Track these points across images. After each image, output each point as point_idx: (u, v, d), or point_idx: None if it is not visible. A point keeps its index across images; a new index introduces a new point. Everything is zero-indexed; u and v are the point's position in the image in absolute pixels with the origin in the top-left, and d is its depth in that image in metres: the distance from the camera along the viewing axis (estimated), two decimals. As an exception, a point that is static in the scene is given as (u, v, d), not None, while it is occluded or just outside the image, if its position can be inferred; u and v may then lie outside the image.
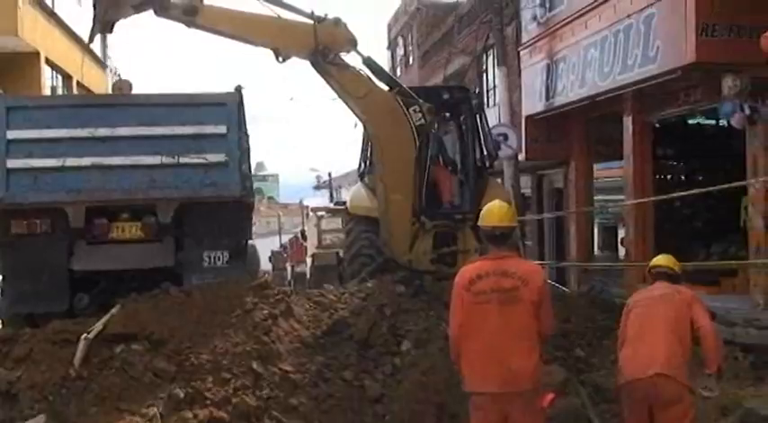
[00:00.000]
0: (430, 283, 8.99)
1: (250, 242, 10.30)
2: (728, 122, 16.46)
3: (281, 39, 9.39)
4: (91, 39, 9.67)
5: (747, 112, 10.34)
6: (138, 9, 8.94)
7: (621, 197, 23.22)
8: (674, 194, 12.73)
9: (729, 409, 6.24)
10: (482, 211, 5.80)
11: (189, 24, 9.04)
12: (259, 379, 7.30)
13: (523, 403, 5.25)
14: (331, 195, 36.83)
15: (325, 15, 9.49)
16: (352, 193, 11.91)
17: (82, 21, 23.07)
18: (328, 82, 9.55)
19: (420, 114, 9.90)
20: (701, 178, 16.03)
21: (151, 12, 8.94)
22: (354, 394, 7.29)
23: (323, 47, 9.35)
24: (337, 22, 9.51)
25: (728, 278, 12.31)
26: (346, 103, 9.84)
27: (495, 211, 5.70)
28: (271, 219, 52.20)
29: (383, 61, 24.97)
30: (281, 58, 9.40)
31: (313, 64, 9.46)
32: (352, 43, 9.56)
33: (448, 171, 11.66)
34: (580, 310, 8.97)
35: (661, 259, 6.61)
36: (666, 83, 11.84)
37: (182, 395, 6.88)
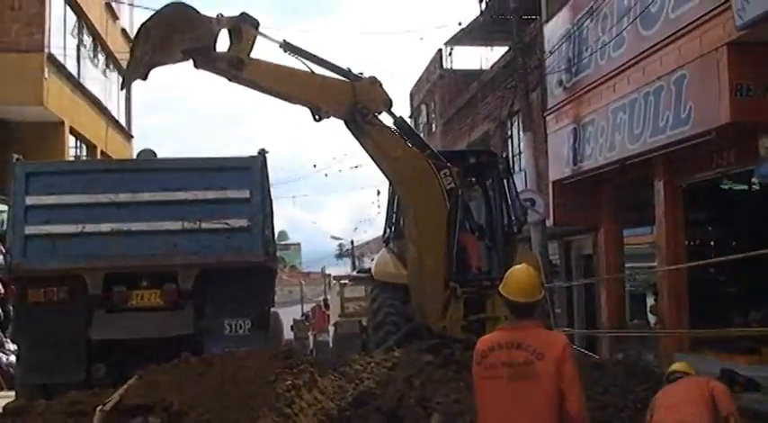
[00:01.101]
0: (460, 352, 8.61)
1: (273, 310, 10.04)
2: (761, 185, 16.29)
3: (321, 96, 9.05)
4: (127, 84, 9.44)
5: (786, 173, 10.07)
6: (186, 55, 8.41)
7: (649, 264, 23.04)
8: (715, 260, 12.37)
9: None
10: (505, 277, 5.25)
11: (232, 78, 8.59)
12: (283, 454, 6.94)
13: None
14: (353, 263, 36.73)
15: (361, 74, 9.31)
16: (378, 259, 11.66)
17: (106, 91, 23.59)
18: (364, 142, 9.31)
19: (450, 178, 9.69)
20: (734, 243, 15.63)
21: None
22: (383, 471, 6.90)
23: (362, 106, 9.15)
24: (374, 81, 9.31)
25: (770, 346, 11.82)
26: (379, 165, 9.59)
27: (516, 282, 5.10)
28: (293, 287, 52.22)
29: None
30: (317, 117, 9.13)
31: (349, 123, 9.19)
32: (387, 103, 9.36)
33: (475, 236, 11.43)
34: (617, 380, 8.53)
35: (678, 366, 6.85)
36: (699, 145, 11.62)
37: (203, 470, 6.56)
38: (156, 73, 8.45)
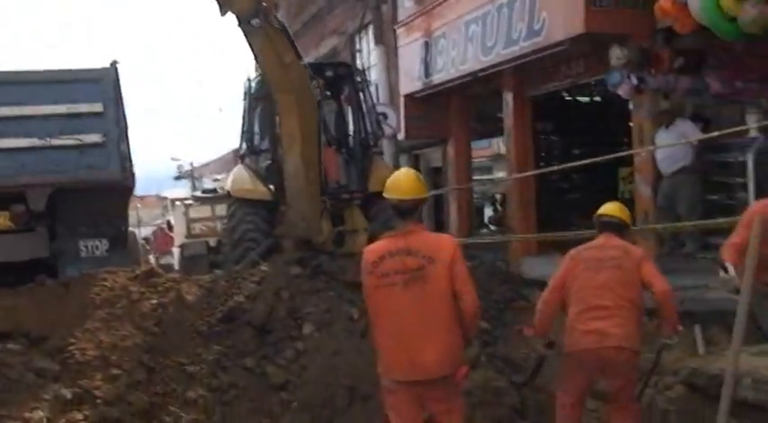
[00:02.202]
0: (327, 263, 8.65)
1: (129, 230, 9.71)
2: (602, 97, 17.00)
3: None
4: None
5: (634, 82, 10.44)
6: None
7: (490, 177, 23.73)
8: (564, 166, 12.83)
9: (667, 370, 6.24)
10: (387, 182, 5.31)
11: None
12: (152, 373, 6.86)
13: (437, 388, 4.92)
14: (193, 185, 35.94)
15: None
16: (234, 176, 11.44)
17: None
18: (260, 43, 8.86)
19: (318, 90, 9.55)
20: (576, 152, 16.30)
21: None
22: (257, 382, 6.93)
23: (265, 5, 8.69)
24: None
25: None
26: (269, 70, 9.27)
27: (402, 181, 5.20)
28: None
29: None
30: (223, 11, 8.57)
31: (250, 20, 8.66)
32: (277, 8, 8.99)
33: (333, 149, 11.39)
34: (479, 283, 8.80)
35: (610, 208, 6.13)
36: (549, 57, 11.87)
37: (69, 395, 6.39)
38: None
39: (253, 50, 8.99)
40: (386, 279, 4.93)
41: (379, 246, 5.10)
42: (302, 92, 9.30)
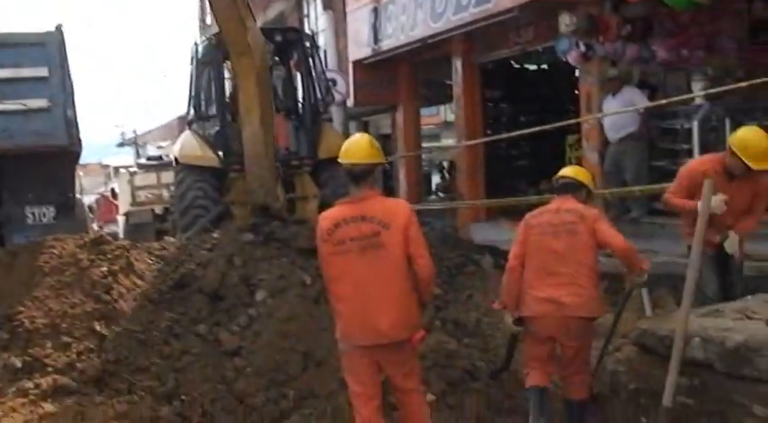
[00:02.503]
0: (280, 230, 8.61)
1: (77, 197, 9.54)
2: (550, 65, 17.12)
3: None
4: None
5: (583, 49, 10.57)
6: None
7: (439, 144, 23.83)
8: (513, 133, 12.94)
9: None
10: (342, 147, 5.30)
11: None
12: (103, 341, 6.75)
13: (394, 352, 4.96)
14: (137, 152, 35.34)
15: None
16: (182, 142, 11.26)
17: None
18: (225, 5, 8.72)
19: (270, 55, 9.44)
20: (524, 120, 16.46)
21: None
22: (210, 349, 6.87)
23: None
24: None
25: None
26: (232, 32, 9.02)
27: (356, 146, 5.19)
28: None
29: (192, 8, 23.87)
30: None
31: None
32: None
33: (282, 116, 11.29)
34: (431, 248, 8.85)
35: (568, 169, 6.06)
36: (498, 24, 11.92)
37: (18, 364, 6.30)
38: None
39: (216, 12, 8.84)
40: (341, 246, 4.92)
41: (334, 213, 5.08)
42: (261, 56, 9.21)
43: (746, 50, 11.59)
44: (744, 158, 5.74)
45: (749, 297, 5.49)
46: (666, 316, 5.37)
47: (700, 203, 5.16)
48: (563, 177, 5.92)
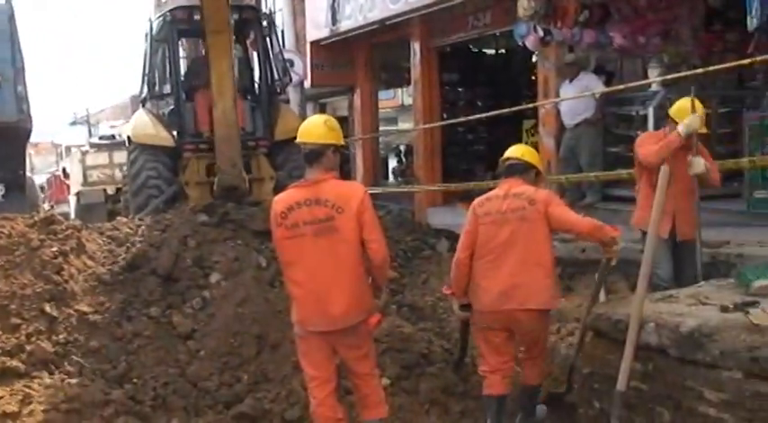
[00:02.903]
0: (235, 211, 8.51)
1: (27, 175, 9.32)
2: (507, 50, 17.16)
3: None
4: None
5: (540, 34, 10.58)
6: None
7: (396, 128, 23.79)
8: (470, 117, 12.97)
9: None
10: (301, 127, 5.21)
11: None
12: (54, 322, 6.62)
13: (349, 336, 4.92)
14: (89, 131, 34.76)
15: None
16: (136, 121, 11.05)
17: None
18: None
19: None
20: (480, 104, 16.48)
21: None
22: (163, 332, 6.77)
23: None
24: None
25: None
26: (215, 9, 9.02)
27: (311, 125, 5.10)
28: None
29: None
30: None
31: None
32: None
33: (239, 96, 11.14)
34: (387, 231, 8.83)
35: (514, 149, 5.72)
36: (456, 6, 11.89)
37: (-35, 346, 6.12)
38: None
39: None
40: (295, 230, 4.84)
41: (288, 196, 4.99)
42: (231, 33, 9.13)
43: (701, 38, 11.73)
44: (680, 122, 6.08)
45: (703, 282, 5.55)
46: (621, 301, 5.37)
47: (657, 190, 5.16)
48: (509, 158, 5.63)
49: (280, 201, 5.00)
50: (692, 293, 5.07)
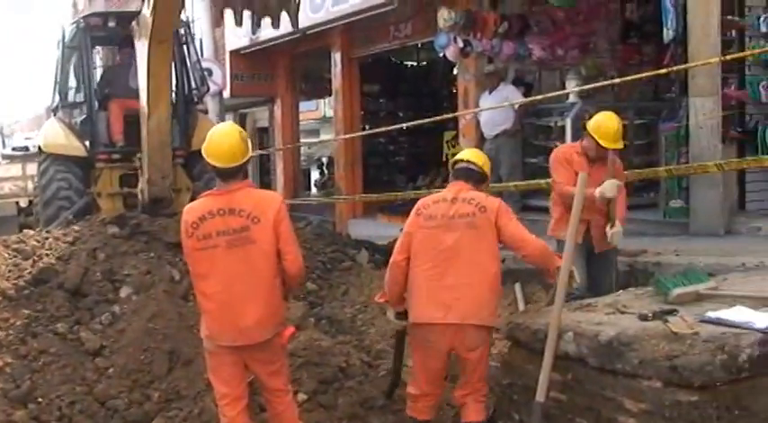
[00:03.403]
0: (147, 223, 8.25)
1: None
2: (427, 62, 17.22)
3: None
4: None
5: (461, 45, 10.60)
6: None
7: (317, 140, 23.65)
8: (392, 127, 12.92)
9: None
10: (206, 143, 4.81)
11: None
12: (-47, 340, 6.28)
13: (261, 351, 4.71)
14: (2, 142, 33.81)
15: None
16: (47, 130, 10.72)
17: None
18: None
19: None
20: (401, 115, 16.48)
21: None
22: (70, 349, 6.47)
23: None
24: None
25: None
26: (166, 19, 8.55)
27: (218, 147, 4.70)
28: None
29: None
30: None
31: None
32: None
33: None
34: (306, 243, 8.69)
35: (469, 153, 5.35)
36: (378, 17, 11.84)
37: None
38: None
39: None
40: (207, 241, 4.61)
41: (199, 205, 4.74)
42: (171, 42, 8.89)
43: (619, 51, 11.93)
44: (596, 138, 5.96)
45: (621, 291, 5.54)
46: (539, 310, 5.30)
47: (575, 197, 5.13)
48: (463, 161, 5.21)
49: (191, 210, 4.76)
50: (610, 302, 5.03)
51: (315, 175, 23.17)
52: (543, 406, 4.47)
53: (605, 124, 6.04)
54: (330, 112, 26.65)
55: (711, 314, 4.36)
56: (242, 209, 4.60)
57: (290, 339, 5.02)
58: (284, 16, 8.67)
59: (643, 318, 4.47)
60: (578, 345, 4.44)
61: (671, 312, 4.50)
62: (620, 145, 6.09)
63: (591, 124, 6.13)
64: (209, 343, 4.75)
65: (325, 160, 20.59)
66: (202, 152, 4.84)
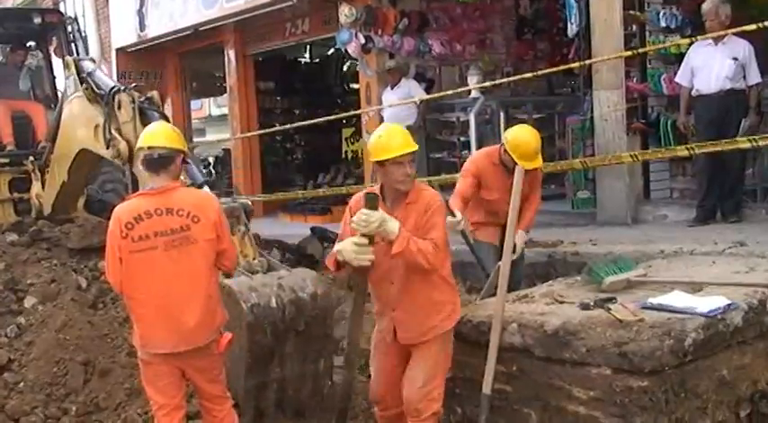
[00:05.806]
0: (47, 229, 7.83)
1: None
2: (321, 58, 17.11)
3: None
4: None
5: (362, 41, 10.57)
6: None
7: (204, 138, 23.15)
8: (296, 124, 12.74)
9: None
10: (141, 136, 4.71)
11: None
12: None
13: (199, 357, 4.49)
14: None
15: None
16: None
17: None
18: None
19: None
20: (297, 112, 16.31)
21: None
22: (-26, 365, 6.07)
23: None
24: None
25: (341, 205, 12.56)
26: None
27: (154, 132, 4.60)
28: None
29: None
30: None
31: None
32: None
33: (41, 106, 10.39)
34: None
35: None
36: (274, 13, 11.65)
37: None
38: None
39: None
40: (144, 243, 4.35)
41: (133, 205, 4.48)
42: None
43: (514, 46, 12.14)
44: (515, 158, 5.68)
45: (552, 282, 5.58)
46: (479, 303, 5.28)
47: (513, 189, 5.14)
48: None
49: (124, 210, 4.47)
50: (545, 292, 5.06)
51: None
52: (490, 398, 4.45)
53: (524, 143, 5.75)
54: (216, 111, 26.13)
55: (653, 300, 4.42)
56: (181, 208, 4.38)
57: (227, 347, 4.80)
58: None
59: (585, 307, 4.50)
60: (523, 335, 4.43)
61: (610, 300, 4.54)
62: (538, 162, 5.80)
63: (509, 143, 5.83)
64: (144, 352, 4.49)
65: (212, 160, 19.94)
66: (136, 148, 4.66)
